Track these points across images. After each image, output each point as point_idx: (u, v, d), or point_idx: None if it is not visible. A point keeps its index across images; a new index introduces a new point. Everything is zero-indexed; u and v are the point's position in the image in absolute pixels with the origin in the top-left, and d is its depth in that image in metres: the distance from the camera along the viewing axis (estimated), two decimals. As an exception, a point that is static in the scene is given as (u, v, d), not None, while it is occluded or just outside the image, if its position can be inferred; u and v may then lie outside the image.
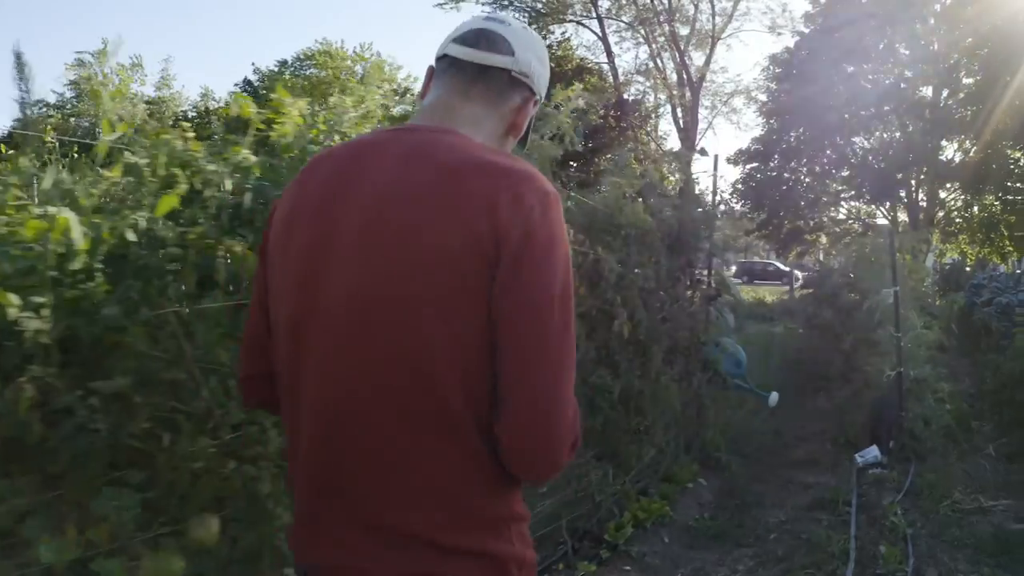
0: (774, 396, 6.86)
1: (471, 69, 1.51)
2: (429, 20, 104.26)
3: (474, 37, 1.52)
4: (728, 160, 31.54)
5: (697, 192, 7.24)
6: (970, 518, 5.83)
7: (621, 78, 34.48)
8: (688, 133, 33.99)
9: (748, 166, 30.81)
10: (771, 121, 30.25)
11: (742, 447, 7.22)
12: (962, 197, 28.98)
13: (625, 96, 33.97)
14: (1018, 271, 19.11)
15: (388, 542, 1.34)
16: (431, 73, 1.59)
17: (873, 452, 6.36)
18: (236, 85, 52.98)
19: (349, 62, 42.26)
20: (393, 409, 1.32)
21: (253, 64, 66.53)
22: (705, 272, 7.03)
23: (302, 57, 45.04)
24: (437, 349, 1.29)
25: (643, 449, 5.76)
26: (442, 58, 1.55)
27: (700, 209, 6.83)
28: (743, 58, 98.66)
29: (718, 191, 8.01)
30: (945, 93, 28.64)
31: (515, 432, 1.31)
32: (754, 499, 6.23)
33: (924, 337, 7.26)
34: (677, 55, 34.00)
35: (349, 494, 1.37)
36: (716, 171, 7.26)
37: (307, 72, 43.57)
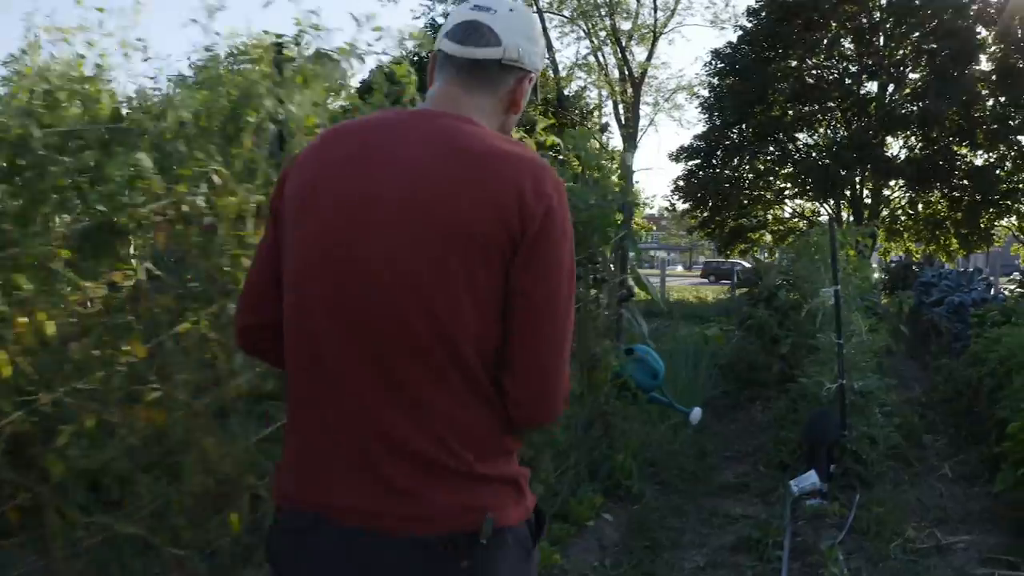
0: (696, 412, 5.75)
1: (463, 63, 1.64)
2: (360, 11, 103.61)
3: (462, 32, 1.64)
4: (670, 157, 30.74)
5: (617, 181, 6.14)
6: (926, 561, 4.79)
7: (562, 73, 33.49)
8: (630, 130, 33.17)
9: (690, 163, 29.95)
10: (714, 117, 29.46)
11: (660, 472, 6.11)
12: (907, 194, 28.45)
13: (565, 92, 33.04)
14: (966, 268, 18.41)
15: (426, 480, 1.49)
16: (433, 62, 1.70)
17: (811, 479, 5.28)
18: (170, 80, 52.15)
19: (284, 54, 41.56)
20: (422, 361, 1.48)
21: (189, 60, 64.97)
22: (621, 269, 5.97)
23: (235, 52, 44.30)
24: (462, 311, 1.47)
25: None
26: (438, 51, 1.67)
27: (609, 197, 5.75)
28: (686, 53, 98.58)
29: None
30: (891, 88, 28.09)
31: (525, 384, 1.54)
32: (669, 538, 5.12)
33: (870, 343, 6.23)
34: (619, 50, 33.15)
35: (385, 439, 1.50)
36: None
37: (241, 68, 43.02)
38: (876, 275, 9.61)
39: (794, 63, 28.23)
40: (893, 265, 17.29)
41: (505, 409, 1.55)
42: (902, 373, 10.14)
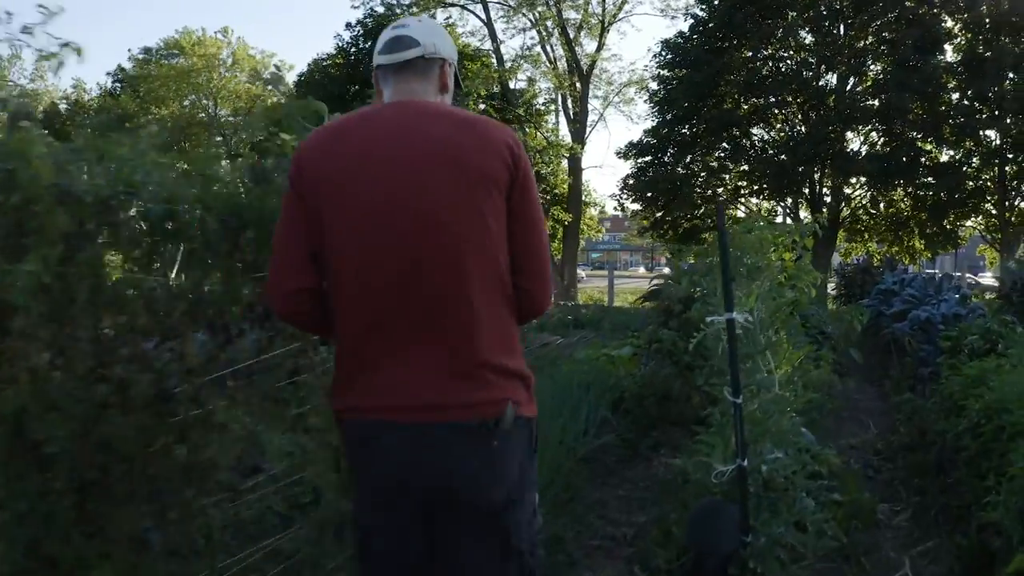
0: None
1: (399, 66, 2.19)
2: (290, 6, 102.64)
3: (389, 45, 2.21)
4: (618, 154, 28.79)
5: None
6: None
7: (508, 65, 31.45)
8: (577, 125, 31.24)
9: (640, 160, 28.05)
10: (666, 110, 27.60)
11: None
12: (869, 192, 26.73)
13: (511, 85, 31.03)
14: (932, 272, 16.50)
15: (466, 374, 2.01)
16: (376, 78, 2.25)
17: (696, 611, 3.28)
18: (109, 74, 50.03)
19: (215, 49, 39.72)
20: (473, 276, 2.02)
21: (129, 51, 62.75)
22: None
23: (168, 45, 42.35)
24: (491, 234, 2.04)
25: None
26: (378, 67, 2.23)
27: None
28: (637, 45, 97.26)
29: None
30: (851, 80, 26.36)
31: (532, 279, 2.14)
32: None
33: (797, 389, 4.15)
34: (566, 40, 31.19)
35: (437, 354, 2.01)
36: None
37: (175, 61, 41.16)
38: (820, 284, 7.44)
39: (748, 53, 26.42)
40: (849, 269, 15.30)
41: (519, 308, 2.14)
42: (855, 402, 8.17)
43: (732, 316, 3.21)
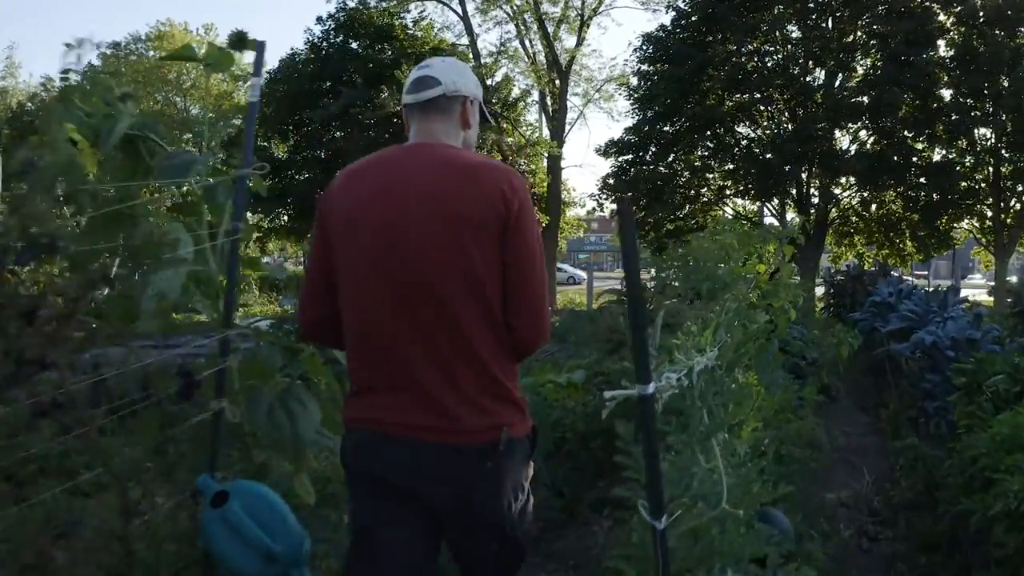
0: None
1: (422, 104, 2.39)
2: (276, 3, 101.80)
3: (415, 86, 2.41)
4: (597, 152, 27.54)
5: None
6: None
7: (485, 61, 30.20)
8: (557, 123, 30.01)
9: (620, 158, 26.80)
10: (647, 107, 26.35)
11: None
12: (859, 193, 25.52)
13: (488, 81, 29.75)
14: (923, 275, 15.12)
15: (466, 402, 2.19)
16: (405, 115, 2.45)
17: None
18: (77, 73, 48.85)
19: (189, 43, 38.32)
20: (461, 313, 2.19)
21: (97, 46, 61.28)
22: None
23: (137, 39, 41.15)
24: (481, 274, 2.19)
25: None
26: (405, 105, 2.44)
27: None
28: (618, 40, 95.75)
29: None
30: (840, 76, 25.14)
31: (522, 316, 2.26)
32: None
33: (752, 488, 2.84)
34: (544, 34, 29.97)
35: (433, 380, 2.20)
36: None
37: (146, 55, 39.98)
38: (802, 302, 6.00)
39: (732, 47, 25.19)
40: (839, 278, 13.98)
41: (512, 344, 2.28)
42: (845, 438, 6.91)
43: (647, 391, 1.96)
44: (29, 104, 40.67)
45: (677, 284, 5.18)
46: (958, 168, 24.30)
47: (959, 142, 24.26)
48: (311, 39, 29.89)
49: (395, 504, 2.24)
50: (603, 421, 5.85)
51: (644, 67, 26.78)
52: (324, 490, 3.63)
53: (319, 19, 30.03)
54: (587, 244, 75.12)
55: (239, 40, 3.28)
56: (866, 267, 17.96)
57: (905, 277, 16.57)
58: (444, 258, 2.17)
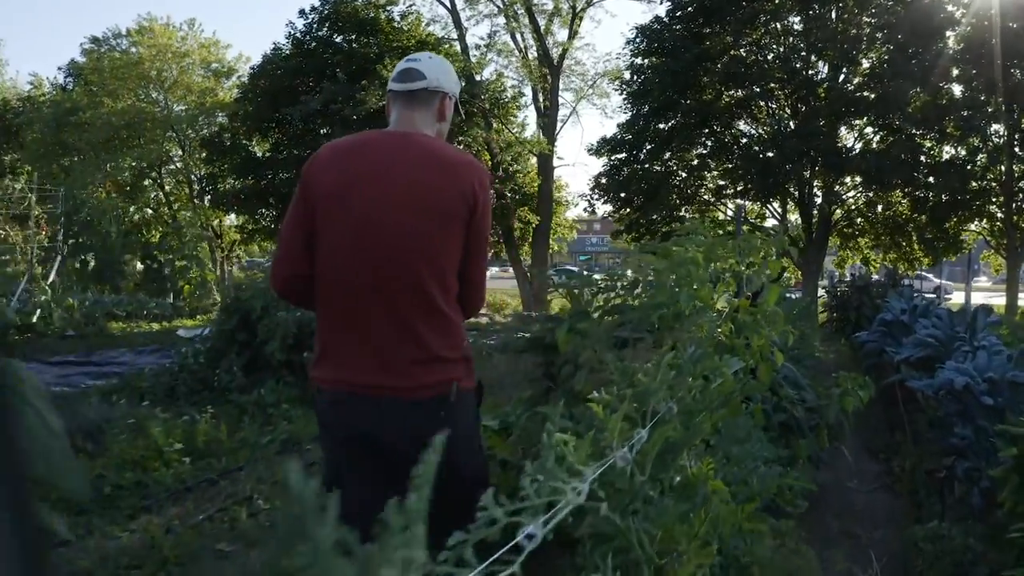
0: None
1: (407, 93, 2.69)
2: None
3: (402, 76, 2.70)
4: (589, 151, 26.37)
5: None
6: None
7: (473, 55, 29.01)
8: (548, 120, 28.78)
9: (614, 156, 25.60)
10: (642, 103, 25.15)
11: None
12: (864, 193, 24.27)
13: (476, 76, 28.52)
14: (928, 277, 13.76)
15: (421, 362, 2.49)
16: (389, 100, 2.75)
17: None
18: (60, 69, 47.70)
19: (165, 39, 37.12)
20: (419, 290, 2.49)
21: (81, 43, 60.15)
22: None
23: (116, 35, 39.89)
24: (445, 255, 2.52)
25: None
26: (391, 91, 2.73)
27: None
28: (612, 34, 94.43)
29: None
30: (844, 70, 23.94)
31: (471, 287, 2.65)
32: None
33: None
34: (535, 28, 28.76)
35: (392, 342, 2.49)
36: None
37: (128, 50, 38.72)
38: (791, 335, 4.77)
39: (730, 39, 23.99)
40: (844, 288, 12.68)
41: (461, 308, 2.63)
42: (847, 495, 5.68)
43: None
44: (16, 103, 39.66)
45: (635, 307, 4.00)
46: (968, 167, 23.07)
47: (970, 140, 23.00)
48: (293, 33, 28.82)
49: (362, 452, 2.54)
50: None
51: (638, 61, 25.60)
52: None
53: (302, 12, 28.78)
54: (588, 245, 74.08)
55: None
56: (873, 272, 16.69)
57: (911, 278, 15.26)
58: (416, 243, 2.50)
